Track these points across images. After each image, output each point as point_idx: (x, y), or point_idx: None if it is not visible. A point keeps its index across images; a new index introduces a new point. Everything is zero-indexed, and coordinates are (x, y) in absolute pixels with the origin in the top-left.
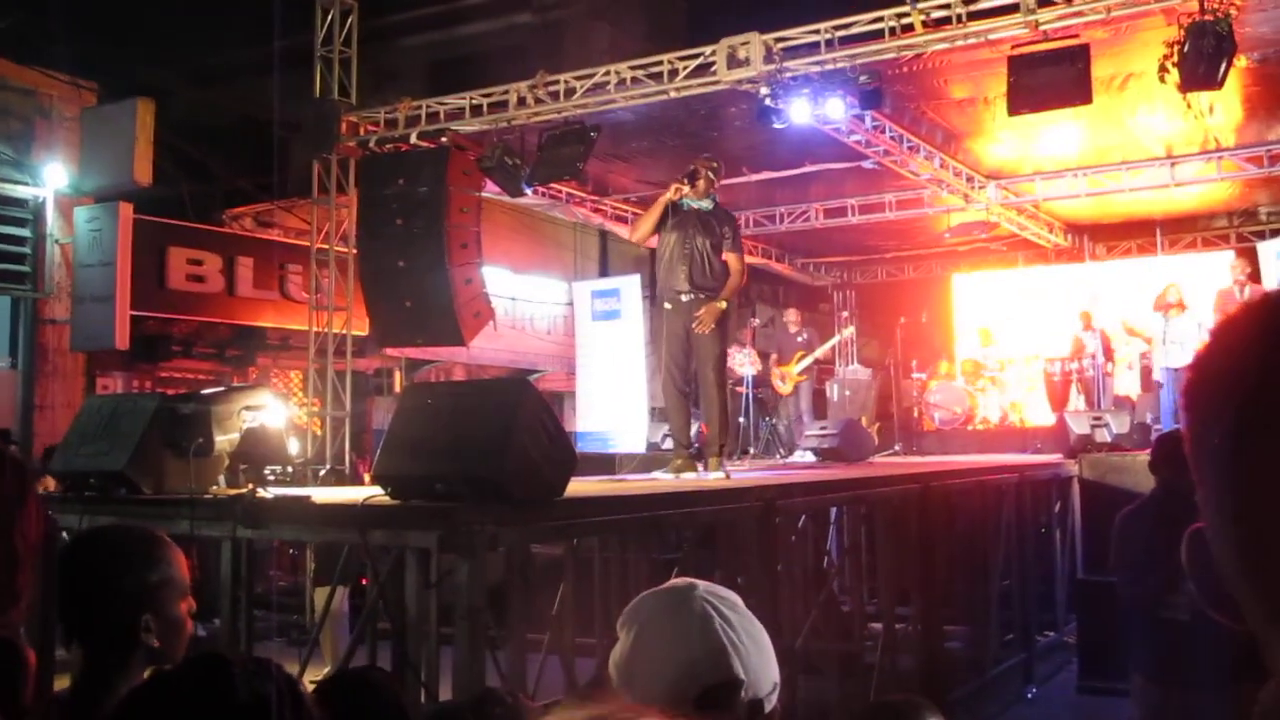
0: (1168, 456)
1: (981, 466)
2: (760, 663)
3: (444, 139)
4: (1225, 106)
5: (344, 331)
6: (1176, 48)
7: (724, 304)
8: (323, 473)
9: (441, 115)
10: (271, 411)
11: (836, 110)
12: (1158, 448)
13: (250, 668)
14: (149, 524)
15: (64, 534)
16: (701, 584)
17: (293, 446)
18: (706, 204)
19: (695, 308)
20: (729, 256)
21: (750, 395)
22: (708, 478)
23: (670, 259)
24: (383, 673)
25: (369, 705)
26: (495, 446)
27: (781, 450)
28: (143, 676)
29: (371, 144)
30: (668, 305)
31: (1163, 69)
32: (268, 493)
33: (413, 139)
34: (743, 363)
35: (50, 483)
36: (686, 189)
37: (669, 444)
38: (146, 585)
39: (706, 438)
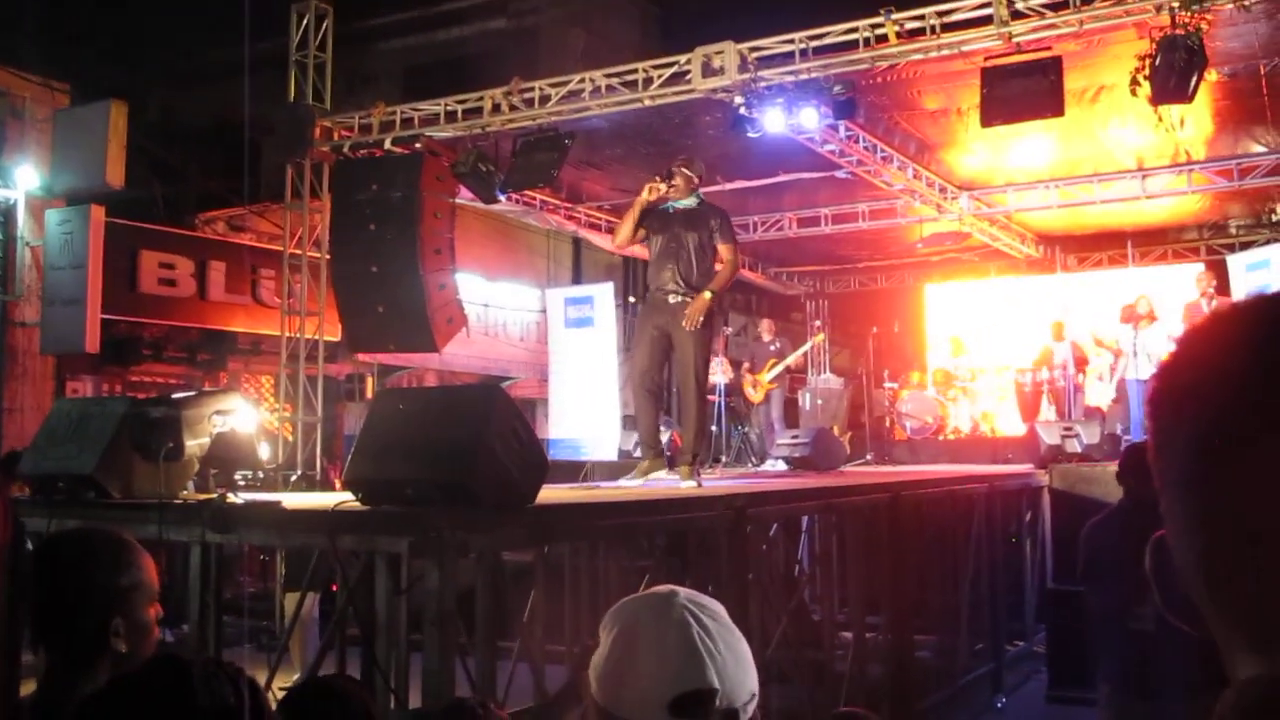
0: (1135, 467)
1: (952, 476)
2: (737, 672)
3: (418, 145)
4: (1196, 120)
5: (316, 337)
6: (1148, 61)
7: (709, 295)
8: (294, 478)
9: (416, 121)
10: (242, 416)
11: (810, 120)
12: (1125, 458)
13: (210, 670)
14: (117, 527)
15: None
16: (684, 591)
17: (264, 451)
18: (691, 202)
19: (680, 309)
20: (721, 247)
21: (722, 404)
22: (680, 485)
23: (658, 260)
24: (350, 680)
25: (336, 713)
26: (466, 452)
27: (753, 459)
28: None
29: (345, 149)
30: (651, 304)
31: (1134, 82)
32: (237, 497)
33: (387, 144)
34: (714, 371)
35: (19, 486)
36: (663, 188)
37: (640, 451)
38: (117, 588)
39: (680, 445)
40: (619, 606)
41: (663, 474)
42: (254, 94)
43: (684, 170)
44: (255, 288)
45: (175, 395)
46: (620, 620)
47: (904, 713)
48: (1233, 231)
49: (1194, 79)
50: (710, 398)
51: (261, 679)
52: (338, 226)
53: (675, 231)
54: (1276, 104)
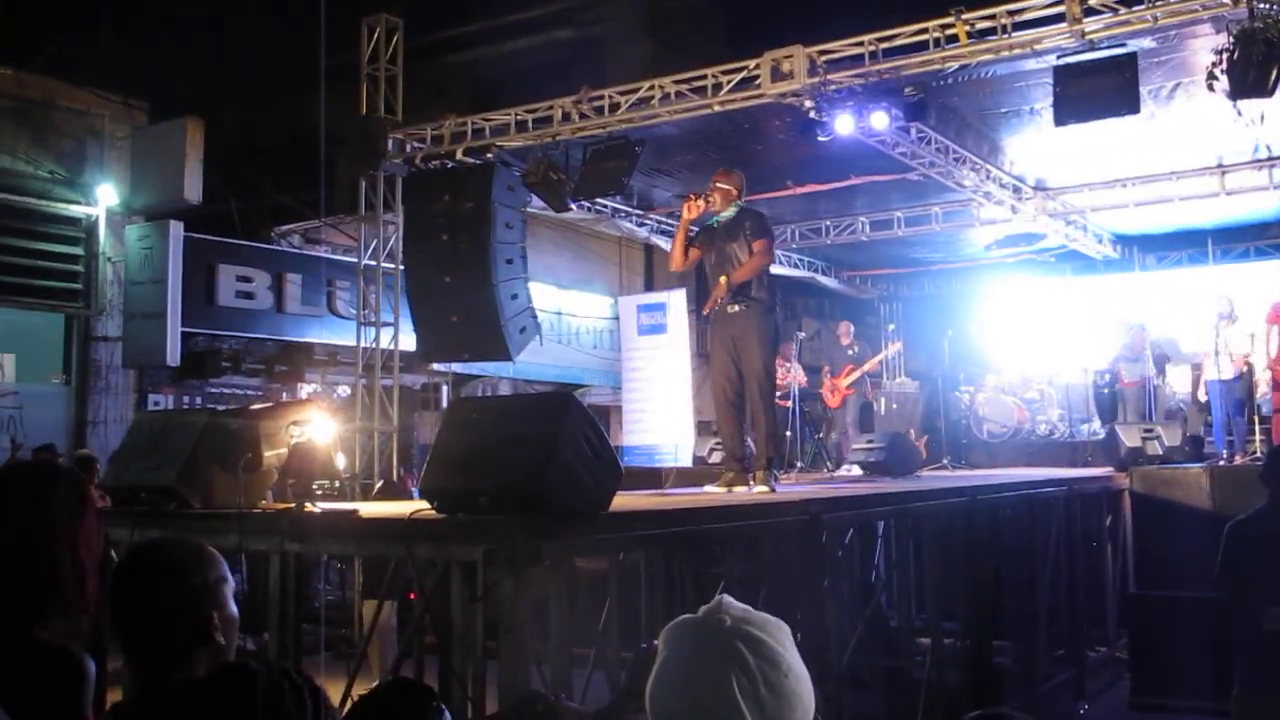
0: (1276, 468)
1: (1030, 479)
2: (777, 710)
3: (489, 155)
4: (1276, 113)
5: (391, 347)
6: (1225, 55)
7: (724, 280)
8: (379, 486)
9: (486, 131)
10: (318, 427)
11: (881, 122)
12: (1270, 460)
13: (274, 680)
14: (198, 537)
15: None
16: (735, 615)
17: (340, 461)
18: (731, 212)
19: (739, 318)
20: (754, 244)
21: (797, 409)
22: (754, 491)
23: (712, 275)
24: (422, 688)
25: (408, 717)
26: (539, 461)
27: (829, 464)
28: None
29: (417, 160)
30: (716, 317)
31: (1211, 76)
32: (315, 507)
33: (458, 155)
34: (785, 375)
35: (102, 497)
36: (703, 205)
37: (716, 457)
38: (209, 584)
39: (755, 452)
40: (670, 626)
41: (744, 489)
42: (327, 108)
43: (720, 185)
44: (331, 299)
45: (253, 407)
46: (668, 640)
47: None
48: None
49: (1274, 72)
50: (782, 403)
51: (340, 686)
52: (411, 237)
53: (719, 245)
54: None
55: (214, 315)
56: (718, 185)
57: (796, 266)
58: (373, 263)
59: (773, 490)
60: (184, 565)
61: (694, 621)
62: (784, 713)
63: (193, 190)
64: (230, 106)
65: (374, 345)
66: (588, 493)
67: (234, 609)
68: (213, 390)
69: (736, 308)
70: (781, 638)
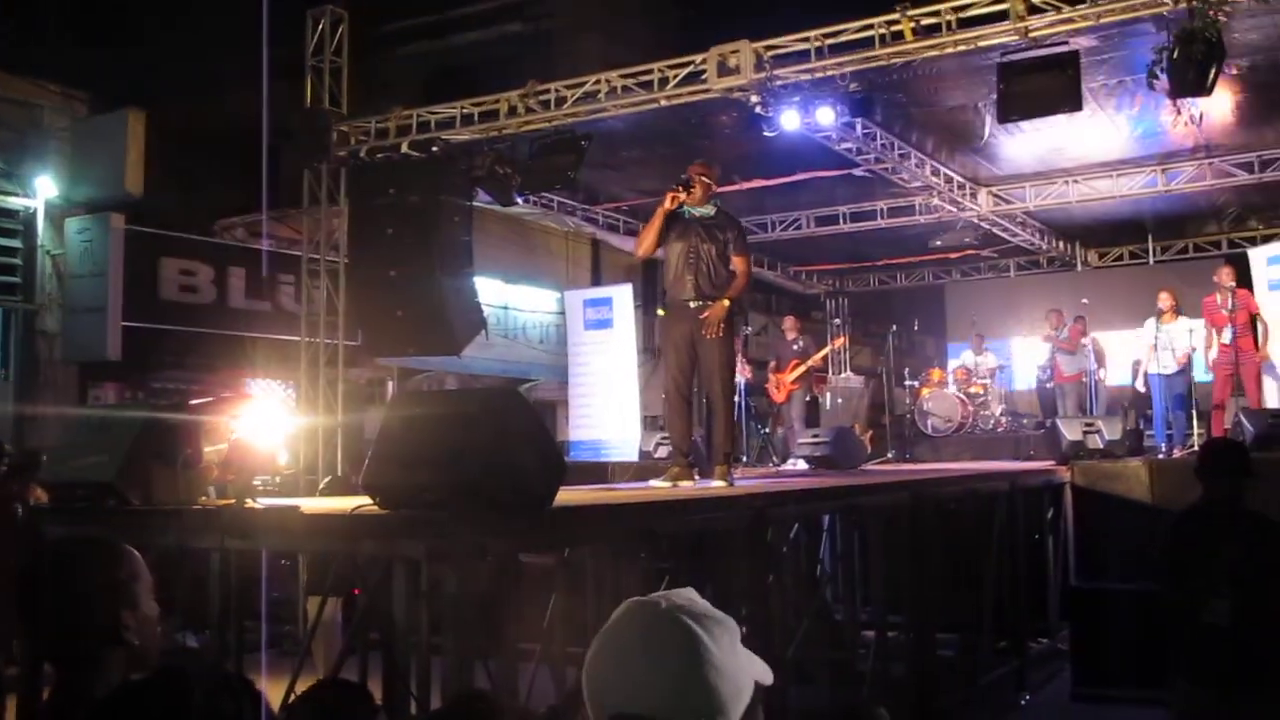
0: (1209, 463)
1: (974, 473)
2: (684, 707)
3: (435, 149)
4: (1215, 113)
5: (336, 341)
6: (1166, 54)
7: (727, 302)
8: (325, 482)
9: (432, 125)
10: (259, 421)
11: (827, 118)
12: (1203, 453)
13: (213, 684)
14: (137, 535)
15: None
16: (673, 602)
17: (283, 457)
18: (709, 210)
19: (701, 314)
20: (735, 260)
21: (744, 403)
22: (710, 485)
23: (678, 269)
24: (356, 687)
25: (343, 717)
26: (483, 455)
27: (775, 458)
28: (118, 679)
29: (362, 153)
30: (674, 311)
31: (1152, 75)
32: (256, 503)
33: (404, 149)
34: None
35: (41, 494)
36: (683, 196)
37: (662, 452)
38: (119, 581)
39: (714, 447)
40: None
41: (690, 484)
42: (271, 100)
43: (702, 178)
44: (275, 293)
45: (193, 402)
46: (606, 626)
47: (927, 711)
48: (1254, 224)
49: (1213, 71)
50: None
51: (284, 684)
52: (356, 231)
53: (693, 242)
54: None
55: (156, 309)
56: (700, 177)
57: None
58: (317, 256)
59: (731, 485)
60: (90, 564)
61: (630, 604)
62: (721, 687)
63: (134, 183)
64: (172, 98)
65: (319, 340)
66: (532, 488)
67: (152, 608)
68: (155, 385)
69: (700, 304)
70: (721, 620)
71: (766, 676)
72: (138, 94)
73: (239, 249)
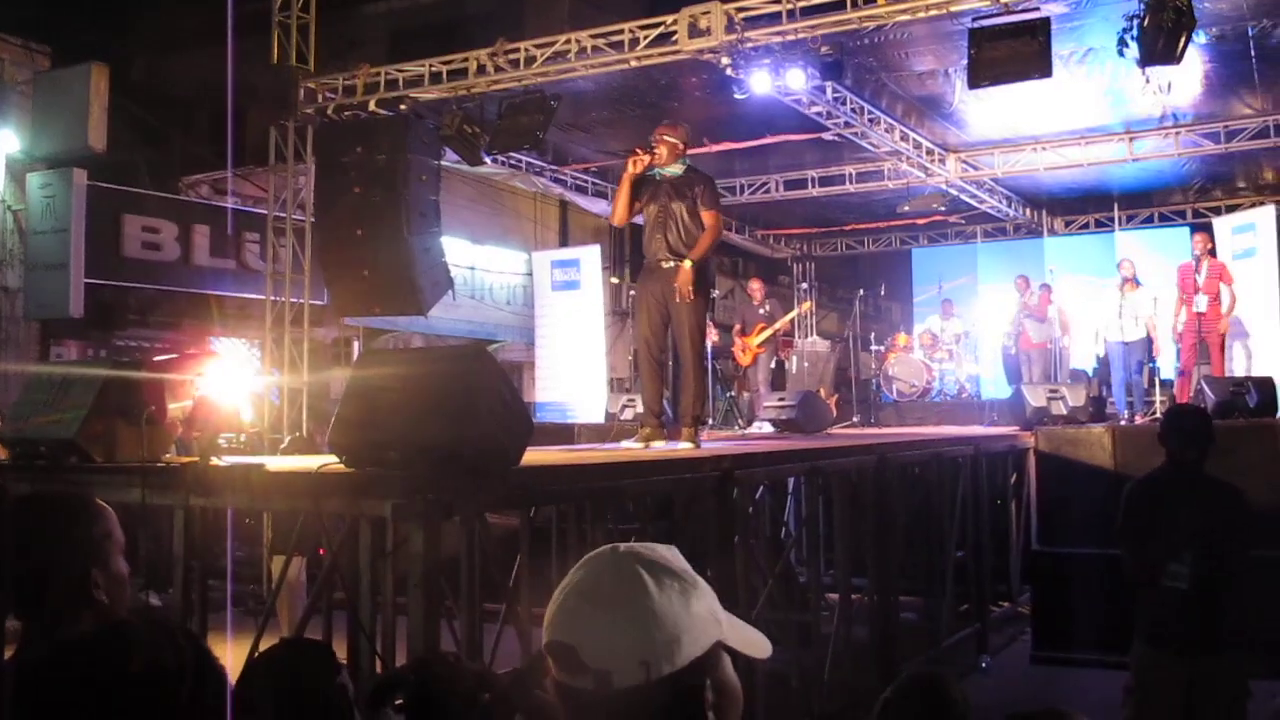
0: (1173, 429)
1: (938, 438)
2: (610, 639)
3: (403, 107)
4: (1183, 82)
5: (301, 300)
6: (1136, 22)
7: (689, 264)
8: (287, 441)
9: (401, 83)
10: (226, 380)
11: (797, 81)
12: (1166, 420)
13: (155, 639)
14: (101, 493)
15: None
16: (632, 549)
17: (248, 415)
18: (677, 169)
19: (674, 275)
20: (704, 214)
21: (710, 366)
22: (678, 447)
23: (650, 230)
24: (318, 645)
25: (303, 677)
26: (450, 414)
27: (740, 422)
28: None
29: (330, 111)
30: (647, 272)
31: (1122, 43)
32: (221, 461)
33: (371, 106)
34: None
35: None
36: (646, 159)
37: (628, 414)
38: (91, 539)
39: (682, 409)
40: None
41: (663, 445)
42: (238, 57)
43: (666, 138)
44: (240, 251)
45: (158, 359)
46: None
47: (889, 674)
48: (1219, 194)
49: (1182, 41)
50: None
51: (248, 643)
52: (322, 189)
53: (664, 201)
54: (1264, 66)
55: (119, 266)
56: (664, 138)
57: None
58: (283, 215)
59: (698, 446)
60: (61, 520)
61: (593, 554)
62: (654, 633)
63: (97, 138)
64: (137, 53)
65: (284, 298)
66: (499, 447)
67: (122, 566)
68: (118, 343)
69: (672, 264)
70: (678, 574)
71: (758, 648)
72: (101, 48)
73: (203, 206)
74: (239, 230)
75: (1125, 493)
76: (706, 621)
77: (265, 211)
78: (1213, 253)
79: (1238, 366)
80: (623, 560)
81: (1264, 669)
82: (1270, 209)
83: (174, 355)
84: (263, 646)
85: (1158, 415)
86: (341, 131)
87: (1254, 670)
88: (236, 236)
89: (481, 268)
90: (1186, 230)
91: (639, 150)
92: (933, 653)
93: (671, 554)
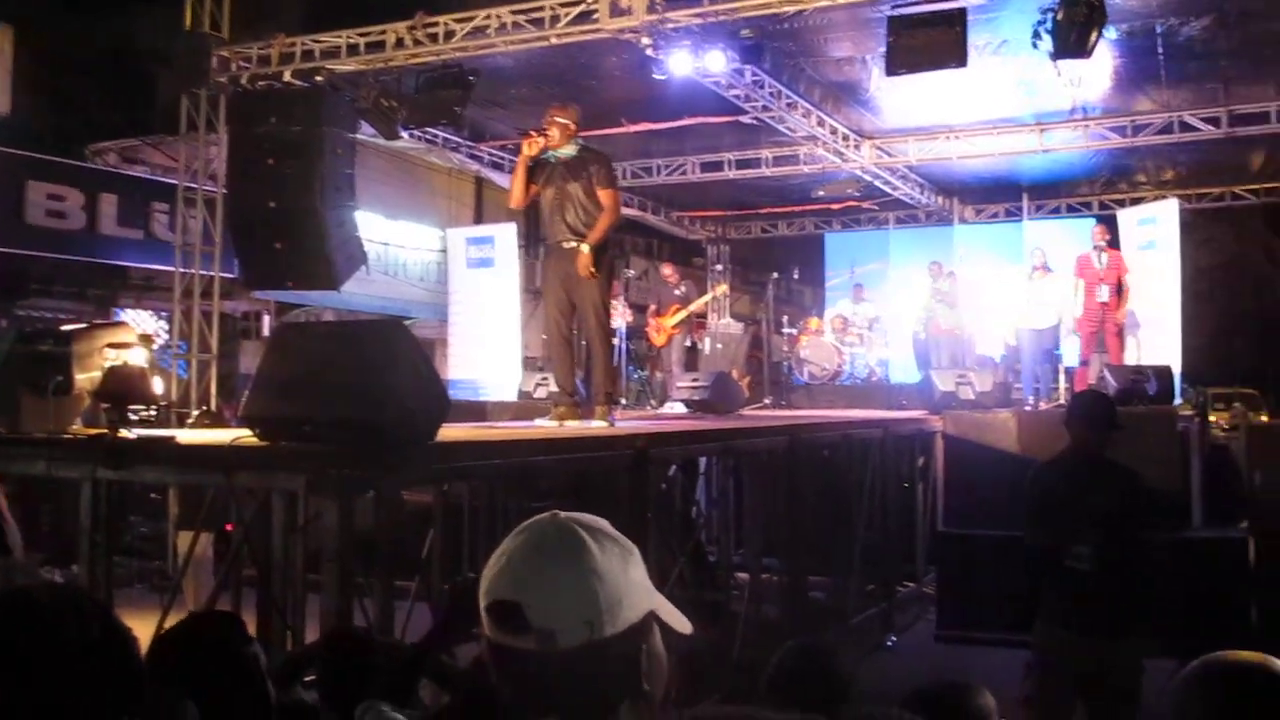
0: (1080, 414)
1: (848, 420)
2: (554, 599)
3: (319, 79)
4: (1093, 77)
5: (212, 273)
6: (1050, 15)
7: (587, 248)
8: (195, 415)
9: (317, 54)
10: (136, 350)
11: (717, 63)
12: (1072, 405)
13: (59, 606)
14: (5, 464)
15: None
16: (571, 515)
17: (157, 387)
18: (571, 150)
19: (577, 254)
20: (601, 194)
21: (623, 347)
22: (592, 425)
23: (549, 210)
24: (230, 617)
25: (213, 654)
26: (367, 388)
27: (653, 402)
28: None
29: (244, 81)
30: (550, 253)
31: (1036, 36)
32: (130, 433)
33: (286, 77)
34: (614, 314)
35: None
36: (541, 142)
37: (541, 393)
38: None
39: (594, 387)
40: None
41: (577, 424)
42: (150, 23)
43: (558, 119)
44: (149, 222)
45: (65, 328)
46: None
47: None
48: (1124, 187)
49: (1094, 35)
50: (612, 340)
51: (154, 620)
52: (235, 160)
53: (559, 184)
54: (1171, 64)
55: (22, 234)
56: (555, 120)
57: (626, 205)
58: (194, 185)
59: (612, 425)
60: None
61: (533, 518)
62: (560, 602)
63: (1, 101)
64: (44, 16)
65: (193, 270)
66: (415, 422)
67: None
68: (20, 313)
69: (572, 244)
70: (616, 538)
71: (680, 623)
72: (5, 9)
73: (111, 174)
74: (148, 200)
75: (1030, 476)
76: (642, 589)
77: (176, 181)
78: (1111, 244)
79: (1128, 357)
80: (564, 525)
81: (1160, 648)
82: (1172, 203)
83: (83, 325)
84: (169, 625)
85: (1062, 402)
86: (255, 102)
87: (1150, 649)
88: (145, 206)
89: (396, 244)
90: (1092, 221)
91: (533, 133)
92: (840, 631)
93: (606, 524)
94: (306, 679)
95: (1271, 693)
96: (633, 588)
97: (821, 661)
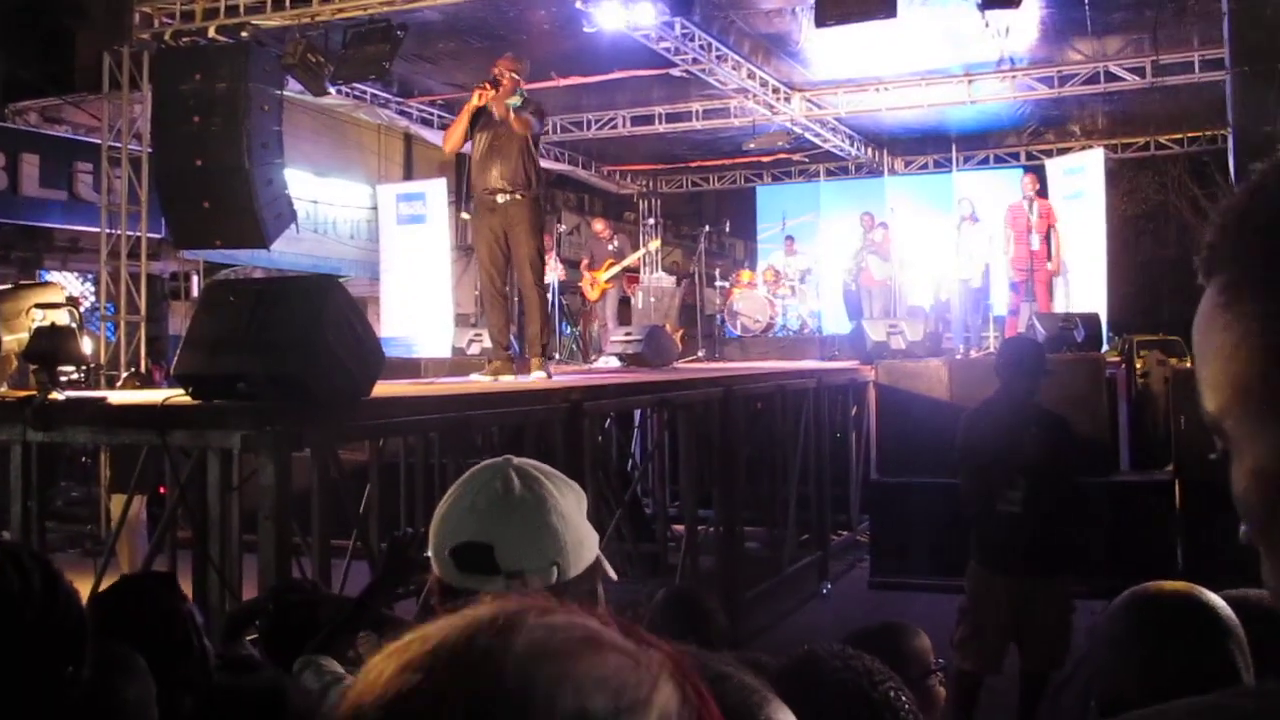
0: (1011, 360)
1: (782, 371)
2: (524, 540)
3: (244, 34)
4: (1021, 27)
5: (138, 233)
6: None
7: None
8: (125, 376)
9: (241, 9)
10: (64, 311)
11: (646, 16)
12: (1003, 352)
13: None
14: None
15: None
16: (521, 461)
17: (86, 348)
18: (515, 101)
19: (510, 208)
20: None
21: (557, 301)
22: (528, 379)
23: (482, 160)
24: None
25: (147, 612)
26: (300, 344)
27: (591, 355)
28: None
29: (167, 37)
30: (482, 207)
31: None
32: (60, 394)
33: (211, 33)
34: (548, 268)
35: None
36: (493, 93)
37: (474, 349)
38: None
39: (528, 340)
40: None
41: (511, 378)
42: None
43: (510, 73)
44: (73, 182)
45: None
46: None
47: (734, 602)
48: (1051, 138)
49: None
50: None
51: (88, 585)
52: (159, 119)
53: (499, 131)
54: (1096, 14)
55: None
56: (510, 72)
57: (558, 160)
58: (118, 144)
59: (549, 376)
60: None
61: (484, 463)
62: (530, 544)
63: None
64: None
65: (120, 231)
66: (350, 379)
67: None
68: None
69: (506, 198)
70: (569, 482)
71: (609, 569)
72: None
73: (32, 134)
74: (71, 160)
75: (962, 422)
76: (592, 532)
77: (99, 141)
78: (1041, 194)
79: (1057, 305)
80: (524, 469)
81: (1087, 589)
82: (1099, 152)
83: (9, 286)
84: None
85: (992, 350)
86: (179, 58)
87: (1078, 590)
88: (69, 166)
89: (325, 201)
90: (1020, 172)
91: (487, 83)
92: (775, 580)
93: (554, 470)
94: (251, 635)
95: (1198, 619)
96: (587, 530)
97: (691, 606)
